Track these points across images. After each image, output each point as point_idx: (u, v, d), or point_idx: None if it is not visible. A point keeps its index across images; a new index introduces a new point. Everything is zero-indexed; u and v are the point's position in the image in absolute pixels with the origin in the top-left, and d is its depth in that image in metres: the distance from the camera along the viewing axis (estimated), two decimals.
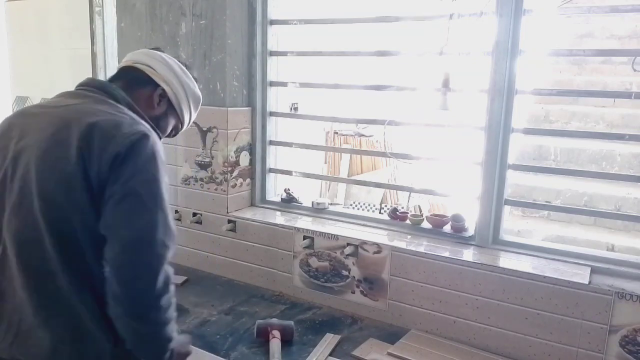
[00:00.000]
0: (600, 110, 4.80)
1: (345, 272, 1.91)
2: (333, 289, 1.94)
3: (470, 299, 1.69)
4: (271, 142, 2.24)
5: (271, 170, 2.27)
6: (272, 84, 2.20)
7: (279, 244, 2.04)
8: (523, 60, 1.69)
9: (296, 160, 2.80)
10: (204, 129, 2.14)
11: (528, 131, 2.24)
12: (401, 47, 1.96)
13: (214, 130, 2.12)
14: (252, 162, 2.23)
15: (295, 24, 2.15)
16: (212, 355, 1.55)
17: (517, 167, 1.84)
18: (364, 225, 2.01)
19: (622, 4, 1.72)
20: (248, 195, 2.25)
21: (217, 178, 2.15)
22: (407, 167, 4.85)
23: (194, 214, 2.23)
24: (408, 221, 1.97)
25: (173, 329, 1.19)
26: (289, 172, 2.26)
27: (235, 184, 2.17)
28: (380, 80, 2.14)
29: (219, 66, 2.09)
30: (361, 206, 4.90)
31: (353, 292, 1.90)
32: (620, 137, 1.75)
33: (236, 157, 2.15)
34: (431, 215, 1.95)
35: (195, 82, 1.41)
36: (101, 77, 2.68)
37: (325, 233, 1.94)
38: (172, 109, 1.36)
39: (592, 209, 3.59)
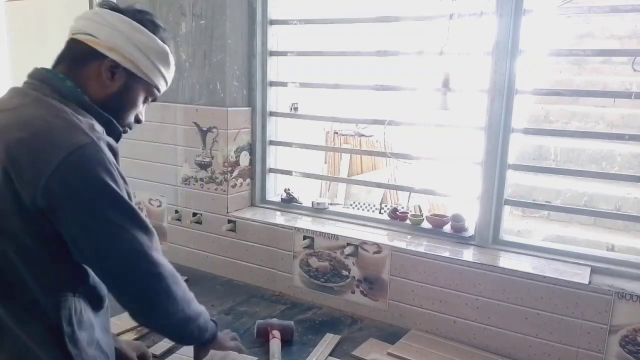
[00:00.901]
0: (600, 110, 4.80)
1: (345, 272, 1.91)
2: (333, 289, 1.94)
3: (470, 299, 1.69)
4: (271, 142, 2.24)
5: (271, 170, 2.27)
6: (272, 84, 2.20)
7: (279, 244, 2.04)
8: (523, 60, 1.69)
9: (296, 160, 2.80)
10: (204, 129, 2.14)
11: (528, 131, 2.24)
12: (401, 47, 1.96)
13: (214, 130, 2.12)
14: (252, 162, 2.23)
15: (295, 24, 2.15)
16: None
17: (517, 167, 1.84)
18: (364, 225, 2.01)
19: (622, 4, 1.72)
20: (248, 195, 2.25)
21: (217, 178, 2.15)
22: (407, 167, 4.86)
23: (194, 214, 2.23)
24: (408, 221, 1.97)
25: (190, 307, 1.21)
26: (289, 172, 2.26)
27: (235, 184, 2.17)
28: (380, 80, 2.14)
29: (219, 66, 2.09)
30: (361, 206, 4.90)
31: (353, 292, 1.90)
32: (620, 137, 1.75)
33: (236, 157, 2.15)
34: (431, 215, 1.95)
35: (153, 33, 1.16)
36: None
37: (325, 233, 1.94)
38: (133, 78, 1.15)
39: (592, 209, 3.58)
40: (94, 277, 1.11)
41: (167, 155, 2.26)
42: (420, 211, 1.99)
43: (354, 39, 2.92)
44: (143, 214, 1.11)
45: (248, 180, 2.23)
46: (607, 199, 3.93)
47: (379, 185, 3.26)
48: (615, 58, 4.92)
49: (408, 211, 2.00)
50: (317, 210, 2.14)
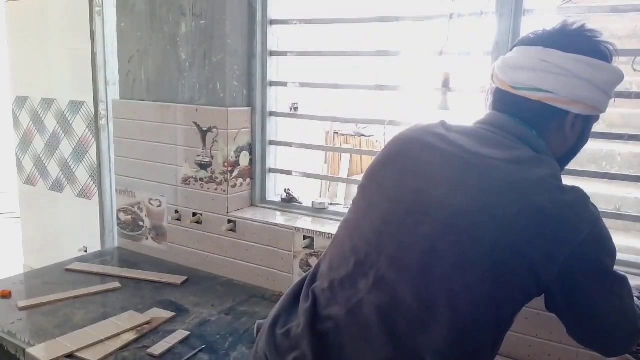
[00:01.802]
0: None
1: None
2: None
3: None
4: (271, 142, 2.24)
5: (271, 170, 2.27)
6: (272, 84, 2.20)
7: (279, 244, 2.04)
8: None
9: (296, 160, 2.80)
10: (204, 129, 2.14)
11: None
12: (401, 47, 1.96)
13: (214, 130, 2.12)
14: (252, 162, 2.23)
15: (295, 24, 2.15)
16: None
17: None
18: None
19: (622, 4, 1.72)
20: (248, 195, 2.25)
21: (217, 178, 2.15)
22: None
23: (194, 214, 2.23)
24: None
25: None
26: (289, 172, 2.26)
27: (235, 184, 2.17)
28: (380, 80, 2.14)
29: (219, 66, 2.09)
30: None
31: None
32: (620, 137, 1.75)
33: (236, 157, 2.16)
34: None
35: (610, 61, 1.02)
36: (101, 77, 2.68)
37: (325, 233, 1.94)
38: (591, 119, 1.06)
39: None
40: None
41: (167, 155, 2.26)
42: None
43: (354, 39, 2.92)
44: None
45: (248, 180, 2.23)
46: (607, 199, 3.93)
47: None
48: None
49: None
50: (317, 210, 2.14)
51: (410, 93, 2.08)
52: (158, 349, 1.55)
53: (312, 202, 2.17)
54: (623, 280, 1.00)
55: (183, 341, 1.62)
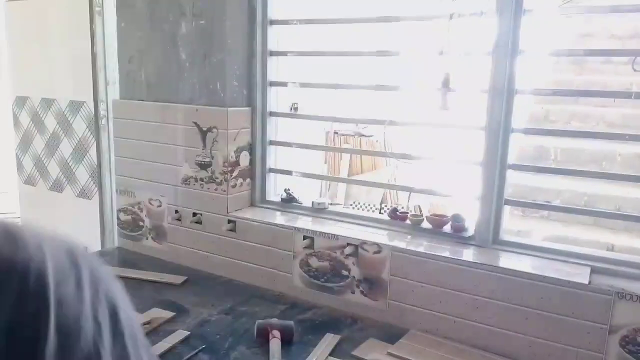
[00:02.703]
0: (600, 110, 4.80)
1: (345, 272, 1.91)
2: (333, 289, 1.94)
3: (470, 299, 1.69)
4: (271, 142, 2.24)
5: (271, 170, 2.27)
6: (272, 84, 2.20)
7: (279, 244, 2.04)
8: (523, 60, 1.69)
9: (296, 160, 2.80)
10: (204, 129, 2.14)
11: (528, 131, 2.24)
12: (401, 47, 1.96)
13: (214, 130, 2.12)
14: (252, 162, 2.23)
15: (295, 24, 2.15)
16: None
17: (517, 167, 1.83)
18: (364, 225, 2.01)
19: (623, 4, 1.72)
20: (248, 195, 2.25)
21: (217, 178, 2.15)
22: (407, 167, 4.85)
23: (194, 214, 2.23)
24: (408, 221, 1.97)
25: None
26: (289, 172, 2.26)
27: (235, 184, 2.17)
28: (380, 80, 2.14)
29: (219, 66, 2.09)
30: (361, 206, 4.89)
31: (353, 292, 1.90)
32: (620, 137, 1.75)
33: (236, 157, 2.16)
34: (431, 215, 1.95)
35: None
36: (101, 77, 2.68)
37: (325, 233, 1.94)
38: None
39: (592, 209, 3.58)
40: None
41: (167, 155, 2.26)
42: (420, 211, 1.99)
43: (354, 39, 2.92)
44: None
45: (248, 180, 2.23)
46: (607, 199, 3.94)
47: (379, 185, 3.26)
48: (615, 58, 4.91)
49: (408, 211, 2.00)
50: (317, 210, 2.14)
51: (410, 93, 2.08)
52: (158, 349, 1.55)
53: (312, 202, 2.17)
54: None
55: (183, 341, 1.62)
